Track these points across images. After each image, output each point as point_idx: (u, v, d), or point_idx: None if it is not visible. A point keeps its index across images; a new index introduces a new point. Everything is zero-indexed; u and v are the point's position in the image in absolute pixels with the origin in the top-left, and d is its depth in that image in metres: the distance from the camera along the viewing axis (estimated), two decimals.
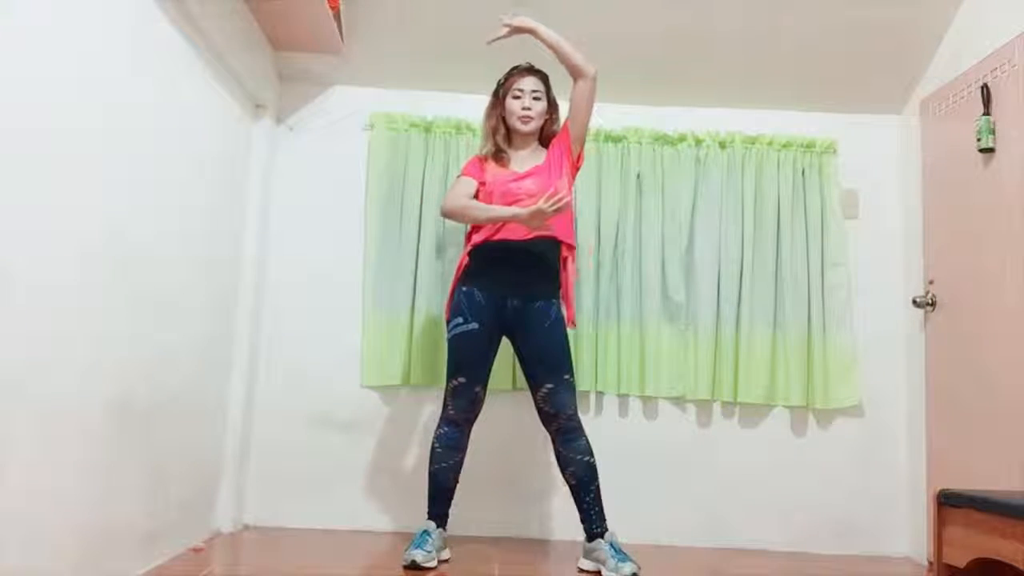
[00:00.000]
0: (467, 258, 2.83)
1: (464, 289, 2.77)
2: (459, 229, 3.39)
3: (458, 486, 3.34)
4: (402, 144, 3.48)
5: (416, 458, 3.36)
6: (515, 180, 2.81)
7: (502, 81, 2.93)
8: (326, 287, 3.44)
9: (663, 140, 3.51)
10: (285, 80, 3.51)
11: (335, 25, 3.09)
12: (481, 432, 3.36)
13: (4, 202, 1.67)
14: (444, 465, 2.76)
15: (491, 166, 2.87)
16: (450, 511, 2.84)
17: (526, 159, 2.89)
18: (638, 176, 3.49)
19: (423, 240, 3.40)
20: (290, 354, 3.39)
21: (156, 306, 2.43)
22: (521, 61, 2.94)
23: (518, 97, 2.86)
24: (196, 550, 2.75)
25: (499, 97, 2.92)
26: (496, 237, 2.75)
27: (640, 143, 3.50)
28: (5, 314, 1.68)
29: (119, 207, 2.16)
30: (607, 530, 2.72)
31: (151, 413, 2.41)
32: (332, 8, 3.01)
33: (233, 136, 3.09)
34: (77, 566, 2.00)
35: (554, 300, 2.80)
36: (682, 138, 3.52)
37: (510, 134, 2.91)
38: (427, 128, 3.48)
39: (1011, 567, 2.11)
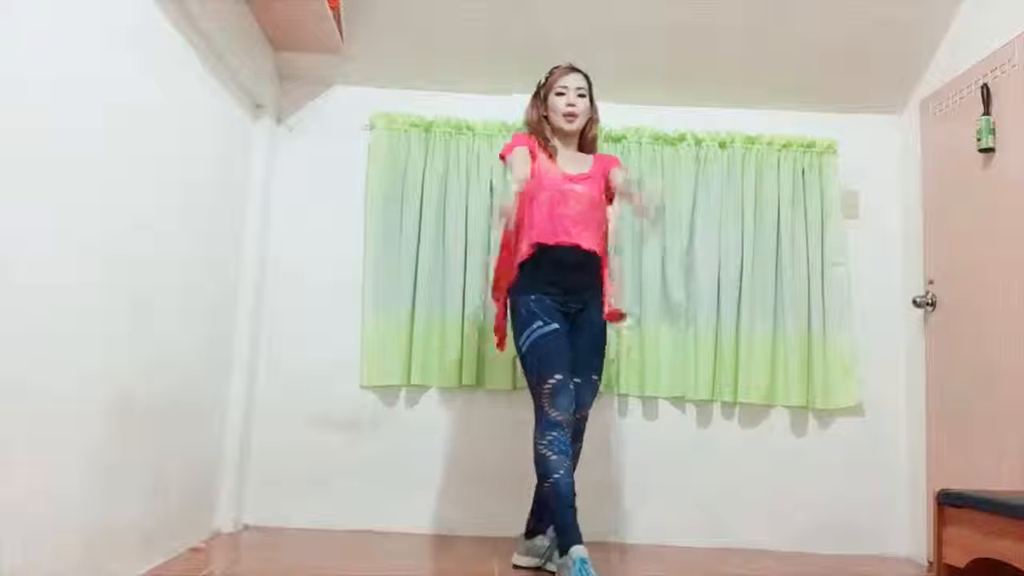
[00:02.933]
0: (520, 266, 2.70)
1: (532, 297, 2.65)
2: (459, 230, 3.39)
3: (461, 486, 3.36)
4: (402, 144, 3.47)
5: (415, 458, 3.36)
6: (568, 181, 2.72)
7: (543, 81, 2.84)
8: (326, 287, 3.44)
9: (663, 140, 3.51)
10: (285, 80, 3.51)
11: (335, 25, 3.09)
12: (481, 432, 3.37)
13: (4, 202, 1.67)
14: (563, 473, 2.48)
15: (540, 152, 2.76)
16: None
17: (570, 160, 2.80)
18: (638, 176, 3.49)
19: (423, 240, 3.40)
20: (290, 354, 3.39)
21: (156, 306, 2.43)
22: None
23: (562, 94, 2.77)
24: (196, 550, 2.75)
25: (541, 96, 2.83)
26: (554, 242, 2.67)
27: (640, 143, 3.50)
28: (5, 314, 1.68)
29: (119, 207, 2.16)
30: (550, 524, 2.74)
31: (151, 413, 2.41)
32: (332, 8, 3.01)
33: (233, 136, 3.09)
34: (77, 566, 2.00)
35: (600, 302, 2.77)
36: (682, 138, 3.52)
37: (553, 132, 2.81)
38: (427, 128, 3.48)
39: (1011, 567, 2.10)
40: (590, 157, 2.87)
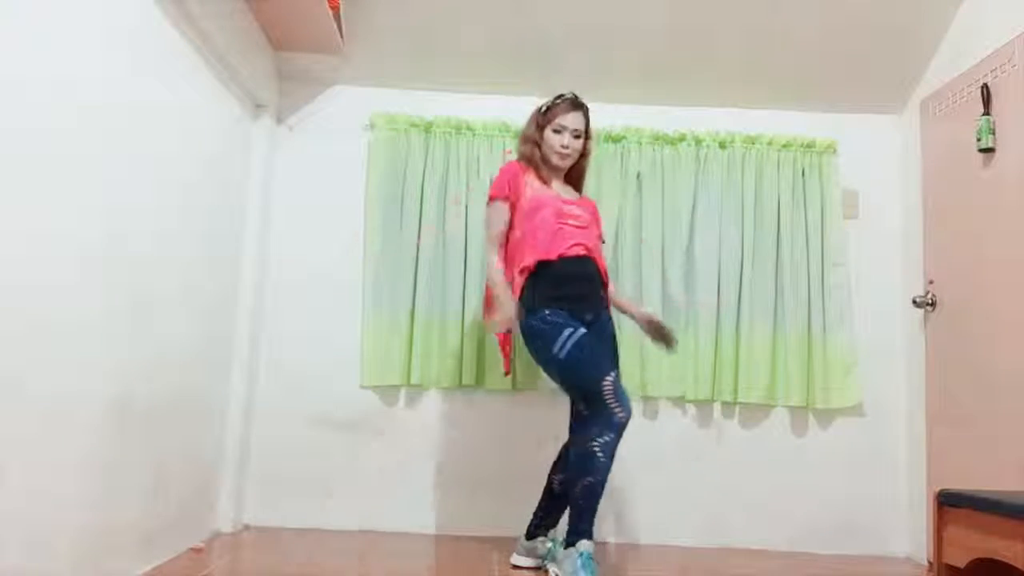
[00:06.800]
0: (529, 278, 2.68)
1: (547, 311, 2.61)
2: (459, 231, 3.39)
3: (460, 486, 3.37)
4: (402, 144, 3.47)
5: (415, 458, 3.36)
6: (566, 203, 2.75)
7: (544, 110, 2.83)
8: (326, 287, 3.44)
9: (663, 140, 3.51)
10: (285, 80, 3.51)
11: (335, 25, 3.09)
12: (481, 432, 3.37)
13: (4, 202, 1.67)
14: (602, 479, 2.48)
15: (532, 178, 2.78)
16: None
17: (561, 189, 2.84)
18: (638, 176, 3.49)
19: (423, 240, 3.40)
20: (290, 354, 3.39)
21: (156, 306, 2.43)
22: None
23: (559, 132, 2.78)
24: (196, 550, 2.75)
25: (539, 125, 2.83)
26: (567, 254, 2.67)
27: (640, 143, 3.50)
28: (5, 314, 1.68)
29: (119, 207, 2.16)
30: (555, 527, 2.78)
31: (151, 413, 2.41)
32: (332, 8, 3.01)
33: (233, 136, 3.09)
34: (77, 566, 2.00)
35: (607, 309, 2.81)
36: (682, 138, 3.51)
37: (543, 161, 2.82)
38: (427, 128, 3.48)
39: (1011, 567, 2.10)
40: (576, 194, 2.90)
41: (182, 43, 2.53)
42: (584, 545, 2.43)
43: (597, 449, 2.47)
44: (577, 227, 2.73)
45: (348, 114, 3.53)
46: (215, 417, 3.04)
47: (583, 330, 2.58)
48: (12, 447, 1.73)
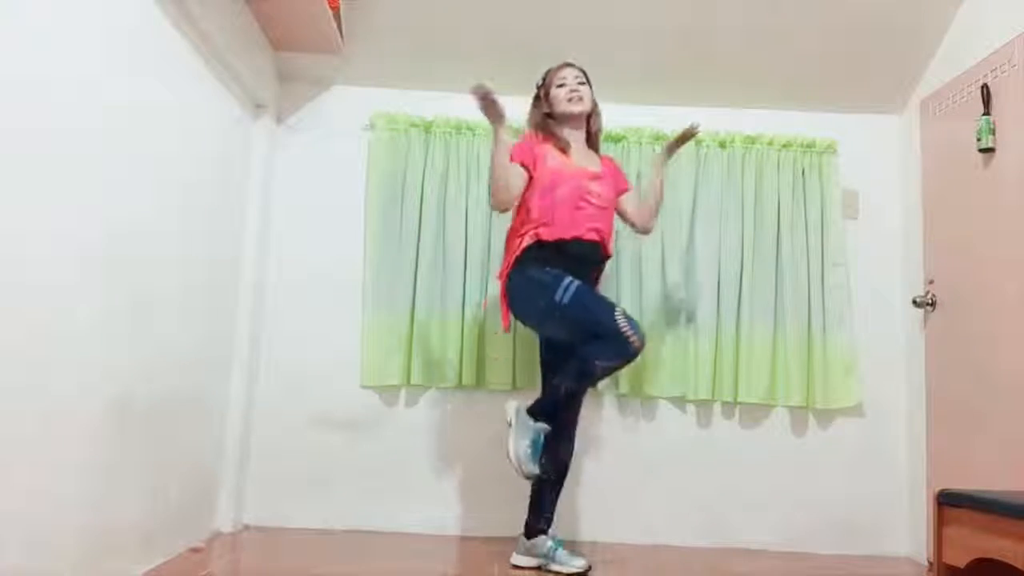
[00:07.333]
0: (529, 249, 2.72)
1: (547, 267, 2.66)
2: (459, 230, 3.39)
3: (461, 486, 3.36)
4: (402, 144, 3.47)
5: (415, 458, 3.36)
6: (587, 179, 2.77)
7: (540, 82, 2.90)
8: (326, 287, 3.44)
9: (663, 140, 3.50)
10: (285, 80, 3.51)
11: (335, 25, 3.09)
12: (481, 432, 3.37)
13: (4, 202, 1.67)
14: (585, 391, 2.72)
15: (550, 148, 2.79)
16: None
17: (583, 156, 2.85)
18: (638, 176, 3.49)
19: (423, 240, 3.40)
20: (290, 354, 3.39)
21: (156, 306, 2.43)
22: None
23: (562, 85, 2.84)
24: (196, 550, 2.75)
25: (541, 96, 2.88)
26: (583, 237, 2.71)
27: (640, 143, 3.50)
28: (5, 314, 1.68)
29: (119, 207, 2.16)
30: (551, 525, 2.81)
31: (151, 413, 2.41)
32: (332, 8, 3.01)
33: (233, 136, 3.09)
34: (77, 566, 2.00)
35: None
36: None
37: (560, 124, 2.85)
38: (427, 128, 3.48)
39: (1011, 567, 2.10)
40: (597, 156, 2.93)
41: (182, 43, 2.53)
42: (543, 427, 2.56)
43: (597, 368, 2.58)
44: (597, 207, 2.77)
45: (348, 114, 3.53)
46: (215, 417, 3.04)
47: (579, 281, 2.64)
48: (12, 447, 1.73)
